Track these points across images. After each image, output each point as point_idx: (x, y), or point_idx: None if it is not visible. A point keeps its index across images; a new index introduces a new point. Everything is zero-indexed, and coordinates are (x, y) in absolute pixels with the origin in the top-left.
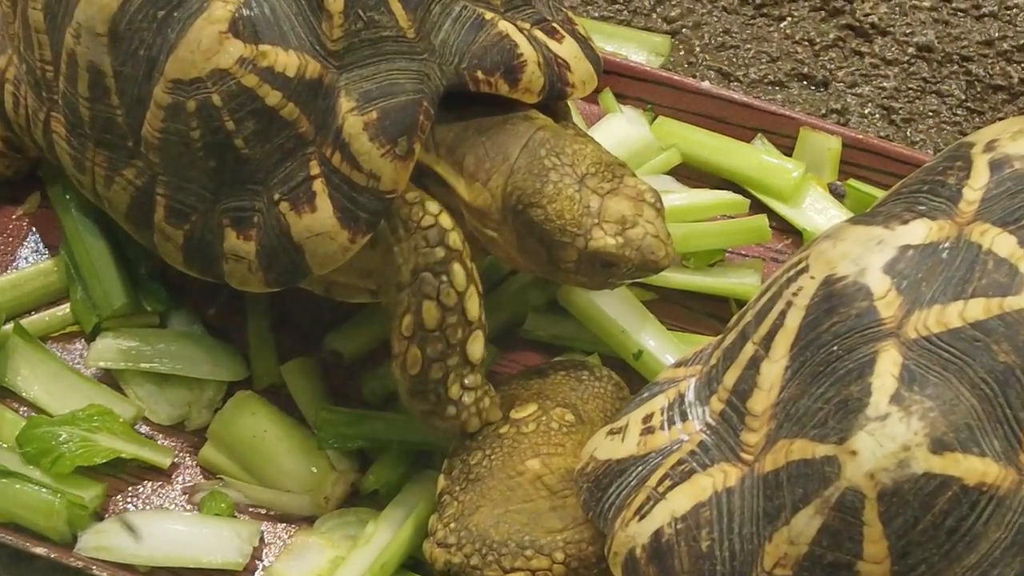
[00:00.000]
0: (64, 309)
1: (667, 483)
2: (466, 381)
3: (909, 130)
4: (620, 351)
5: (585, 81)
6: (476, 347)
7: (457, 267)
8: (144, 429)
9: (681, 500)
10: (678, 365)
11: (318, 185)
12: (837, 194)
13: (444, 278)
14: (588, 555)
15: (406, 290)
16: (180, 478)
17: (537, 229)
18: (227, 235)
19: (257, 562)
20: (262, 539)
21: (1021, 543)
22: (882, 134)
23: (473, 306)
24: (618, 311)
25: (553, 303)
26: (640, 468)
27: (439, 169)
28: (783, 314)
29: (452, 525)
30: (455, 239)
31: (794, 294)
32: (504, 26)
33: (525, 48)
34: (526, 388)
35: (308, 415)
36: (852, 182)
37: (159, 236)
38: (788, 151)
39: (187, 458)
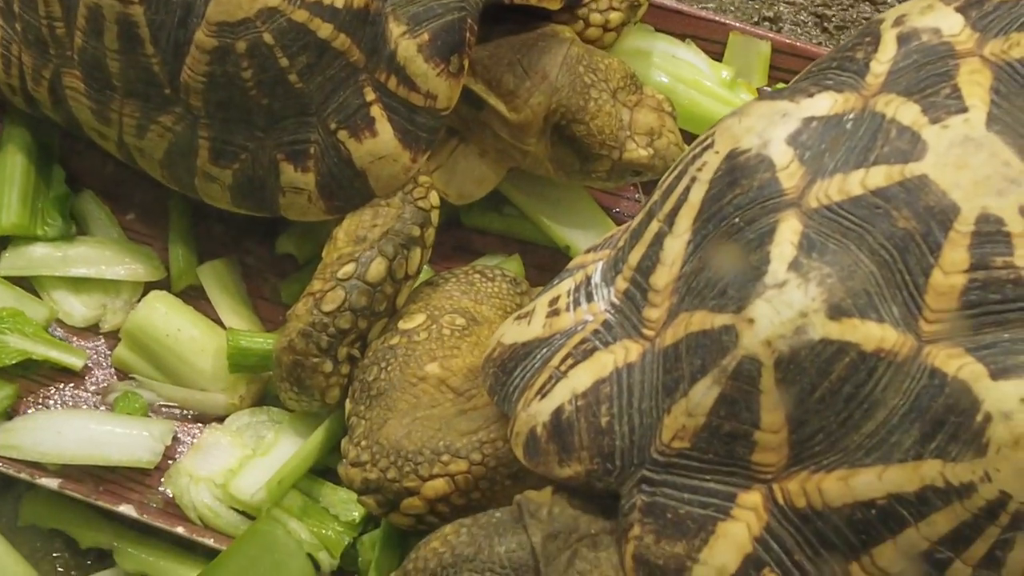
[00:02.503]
0: None
1: (569, 362)
2: (354, 353)
3: (841, 37)
4: (555, 244)
5: None
6: (376, 331)
7: (418, 253)
8: (58, 332)
9: (582, 377)
10: (588, 251)
11: (376, 110)
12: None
13: (405, 252)
14: (505, 452)
15: (365, 243)
16: (93, 379)
17: (577, 143)
18: (283, 170)
19: (169, 461)
20: (175, 438)
21: (919, 410)
22: (815, 42)
23: (401, 298)
24: (559, 203)
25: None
26: (544, 350)
27: (476, 88)
28: (687, 190)
29: (363, 443)
30: (431, 234)
31: (699, 169)
32: None
33: None
34: (414, 301)
35: (224, 316)
36: (781, 86)
37: (202, 179)
38: (718, 57)
39: (101, 360)
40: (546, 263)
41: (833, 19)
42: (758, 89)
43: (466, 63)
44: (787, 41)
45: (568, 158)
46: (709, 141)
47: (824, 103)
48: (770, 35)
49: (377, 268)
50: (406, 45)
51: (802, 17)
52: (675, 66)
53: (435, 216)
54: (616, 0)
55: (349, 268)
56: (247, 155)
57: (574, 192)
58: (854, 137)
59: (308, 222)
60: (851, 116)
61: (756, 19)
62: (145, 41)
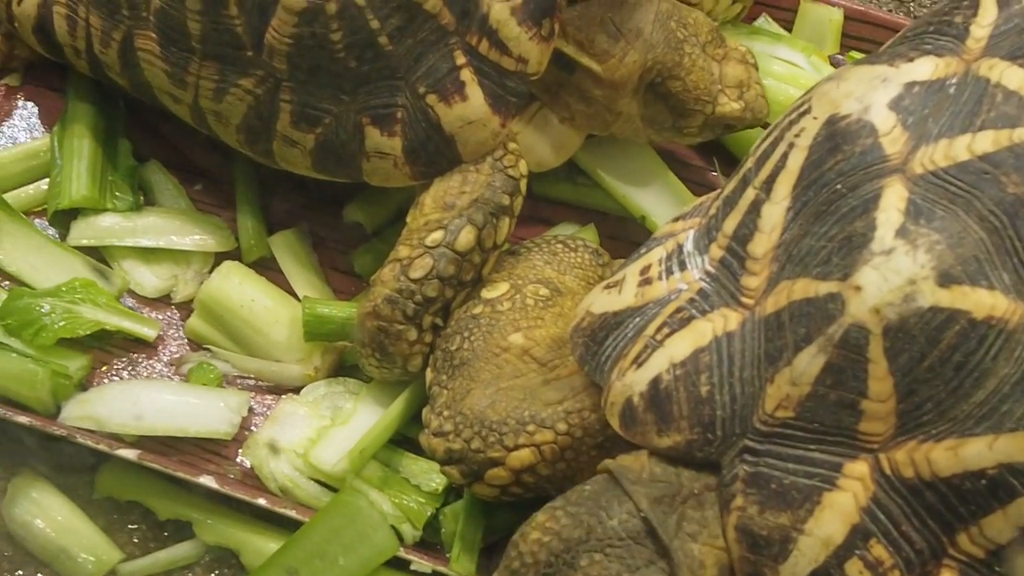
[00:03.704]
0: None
1: (665, 331)
2: (438, 322)
3: (912, 4)
4: (631, 213)
5: None
6: (460, 300)
7: (507, 223)
8: (129, 302)
9: (680, 346)
10: (677, 219)
11: (466, 74)
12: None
13: (494, 221)
14: (592, 422)
15: (454, 210)
16: (167, 350)
17: (671, 99)
18: (369, 134)
19: (246, 432)
20: (251, 410)
21: None
22: (885, 8)
23: (488, 267)
24: (634, 173)
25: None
26: (637, 319)
27: (568, 50)
28: (785, 156)
29: (445, 413)
30: (519, 203)
31: (796, 136)
32: None
33: None
34: (497, 270)
35: (297, 287)
36: (854, 55)
37: (282, 143)
38: (789, 27)
39: (173, 330)
40: (620, 233)
41: None
42: (830, 57)
43: (557, 26)
44: (859, 8)
45: (661, 116)
46: (806, 107)
47: (925, 68)
48: (842, 2)
49: (467, 237)
50: (499, 8)
51: None
52: (770, 64)
53: (524, 185)
54: None
55: (437, 235)
56: (331, 119)
57: (649, 161)
58: (958, 102)
59: (376, 190)
60: (953, 81)
61: None
62: (229, 2)
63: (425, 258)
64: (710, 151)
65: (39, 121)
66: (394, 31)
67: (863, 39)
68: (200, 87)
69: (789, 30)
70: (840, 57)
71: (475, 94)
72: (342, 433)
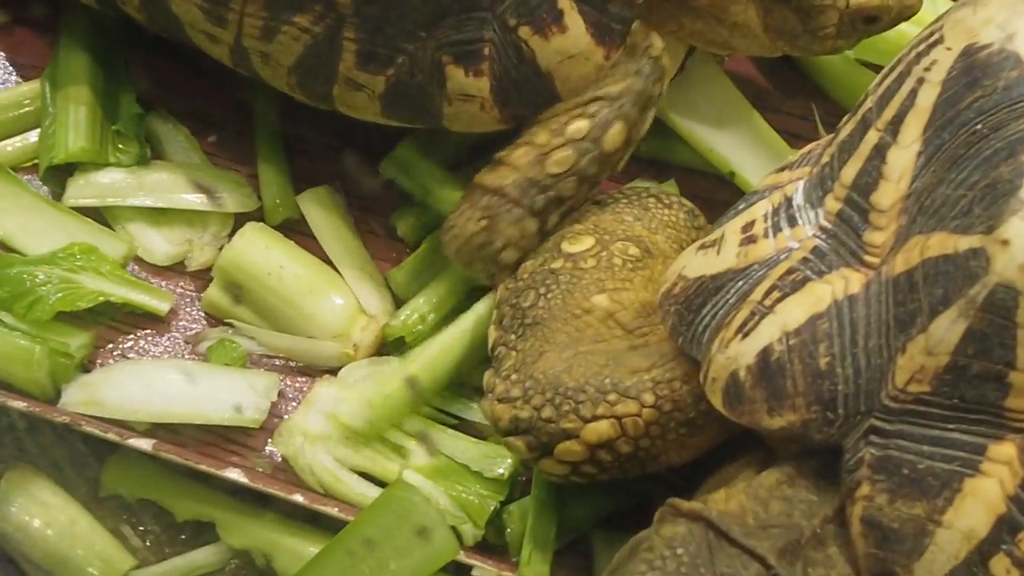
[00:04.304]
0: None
1: (775, 295)
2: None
3: None
4: (717, 169)
5: None
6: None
7: (652, 114)
8: (137, 271)
9: (794, 312)
10: (781, 169)
11: (564, 2)
12: None
13: (643, 115)
14: (683, 395)
15: (602, 101)
16: (181, 325)
17: None
18: (451, 75)
19: (275, 420)
20: (281, 394)
21: None
22: None
23: (621, 163)
24: (720, 121)
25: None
26: (740, 282)
27: None
28: (913, 93)
29: (513, 376)
30: (663, 87)
31: (926, 69)
32: None
33: None
34: (580, 220)
35: (331, 252)
36: None
37: (344, 87)
38: None
39: (189, 303)
40: (704, 192)
41: None
42: None
43: None
44: None
45: (788, 20)
46: (936, 36)
47: None
48: None
49: (617, 133)
50: None
51: None
52: None
53: (667, 60)
54: None
55: (582, 125)
56: (404, 59)
57: (738, 107)
58: None
59: (417, 145)
60: None
61: None
62: None
63: (567, 151)
64: (808, 98)
65: (27, 62)
66: None
67: None
68: (245, 25)
69: None
70: None
71: (575, 23)
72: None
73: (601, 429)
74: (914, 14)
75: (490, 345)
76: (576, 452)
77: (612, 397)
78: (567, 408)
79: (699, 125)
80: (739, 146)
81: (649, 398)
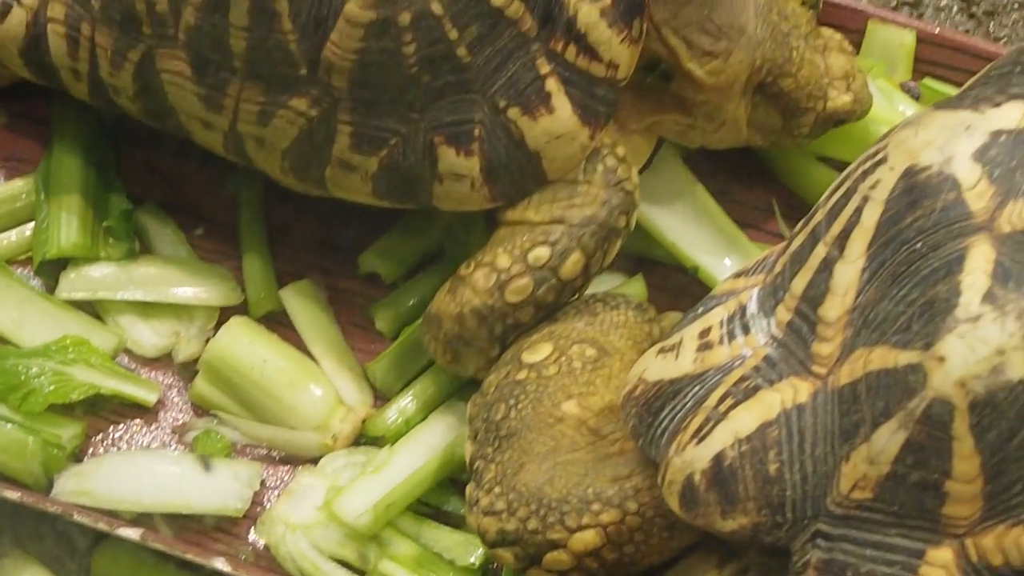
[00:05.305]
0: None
1: (729, 401)
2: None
3: (992, 24)
4: (681, 264)
5: None
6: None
7: (617, 244)
8: (126, 362)
9: (745, 419)
10: (738, 275)
11: (552, 84)
12: (912, 94)
13: (605, 247)
14: (662, 501)
15: (562, 226)
16: (169, 416)
17: (783, 99)
18: (442, 155)
19: (258, 508)
20: (263, 483)
21: None
22: (961, 29)
23: (584, 291)
24: (683, 216)
25: None
26: (697, 387)
27: (667, 54)
28: (859, 210)
29: (496, 489)
30: (632, 221)
31: (871, 188)
32: None
33: None
34: (535, 330)
35: (312, 345)
36: (928, 81)
37: (338, 169)
38: (857, 49)
39: (176, 394)
40: (670, 285)
41: (981, 3)
42: (901, 84)
43: (644, 27)
44: (933, 30)
45: (771, 118)
46: (881, 156)
47: (1013, 114)
48: (912, 22)
49: (574, 264)
50: (587, 10)
51: (945, 2)
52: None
53: (638, 197)
54: None
55: (542, 253)
56: (397, 140)
57: (700, 202)
58: None
59: (396, 237)
60: None
61: (894, 4)
62: (282, 16)
63: (525, 279)
64: (767, 191)
65: (23, 156)
66: (474, 40)
67: (938, 64)
68: (240, 111)
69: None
70: (913, 84)
71: (562, 105)
72: (373, 482)
73: (587, 538)
74: (866, 114)
75: (467, 459)
76: (563, 561)
77: (596, 507)
78: (552, 519)
79: (663, 220)
80: (702, 241)
81: (632, 506)
